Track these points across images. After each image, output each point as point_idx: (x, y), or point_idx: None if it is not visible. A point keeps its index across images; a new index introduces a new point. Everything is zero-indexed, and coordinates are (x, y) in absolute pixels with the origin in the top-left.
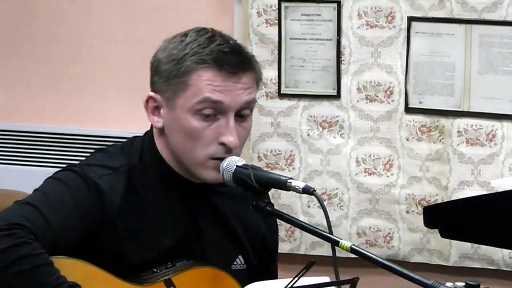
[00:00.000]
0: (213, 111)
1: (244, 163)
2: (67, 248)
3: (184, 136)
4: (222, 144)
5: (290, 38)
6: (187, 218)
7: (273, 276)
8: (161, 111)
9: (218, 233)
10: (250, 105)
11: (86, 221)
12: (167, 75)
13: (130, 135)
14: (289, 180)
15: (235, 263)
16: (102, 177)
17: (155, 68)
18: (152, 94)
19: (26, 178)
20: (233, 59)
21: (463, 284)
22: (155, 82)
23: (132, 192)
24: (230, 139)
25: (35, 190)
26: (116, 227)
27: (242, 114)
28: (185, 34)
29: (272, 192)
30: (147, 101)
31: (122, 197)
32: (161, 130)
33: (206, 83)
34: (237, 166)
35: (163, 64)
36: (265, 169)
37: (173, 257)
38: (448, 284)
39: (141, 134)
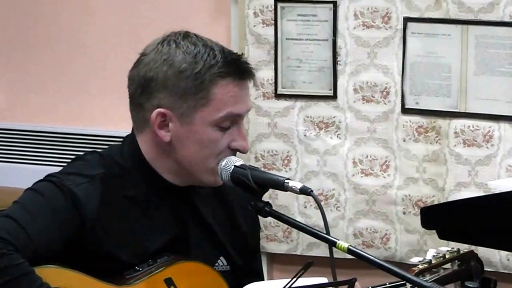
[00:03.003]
0: (230, 123)
1: (242, 163)
2: (49, 257)
3: (201, 148)
4: (234, 149)
5: (287, 39)
6: (171, 221)
7: (257, 274)
8: (170, 125)
9: (200, 235)
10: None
11: (65, 229)
12: (182, 91)
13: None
14: (286, 181)
15: (217, 264)
16: (78, 185)
17: (160, 84)
18: (162, 110)
19: (27, 176)
20: (243, 65)
21: (448, 249)
22: (160, 98)
23: (111, 199)
24: (244, 144)
25: (14, 202)
26: (95, 234)
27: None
28: (175, 44)
29: (269, 193)
30: (155, 117)
31: (99, 204)
32: (159, 143)
33: (229, 95)
34: (235, 166)
35: (172, 79)
36: (262, 169)
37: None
38: (431, 250)
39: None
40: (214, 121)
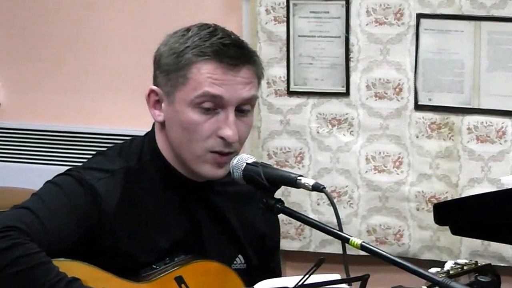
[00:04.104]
0: (212, 104)
1: (254, 160)
2: (64, 251)
3: (183, 130)
4: (221, 138)
5: (299, 36)
6: (187, 218)
7: (275, 273)
8: (162, 105)
9: (218, 232)
10: (250, 101)
11: (83, 224)
12: (168, 68)
13: (136, 133)
14: (299, 178)
15: (235, 262)
16: (99, 180)
17: (157, 62)
18: (153, 87)
19: (34, 176)
20: (233, 51)
21: (466, 261)
22: (157, 76)
23: (129, 195)
24: (228, 133)
25: (33, 195)
26: (113, 230)
27: (243, 109)
28: (188, 29)
29: (281, 190)
30: (148, 94)
31: (119, 200)
32: (162, 125)
33: (206, 76)
34: (247, 163)
35: (164, 57)
36: (275, 167)
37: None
38: (449, 262)
39: (142, 134)
40: (191, 101)
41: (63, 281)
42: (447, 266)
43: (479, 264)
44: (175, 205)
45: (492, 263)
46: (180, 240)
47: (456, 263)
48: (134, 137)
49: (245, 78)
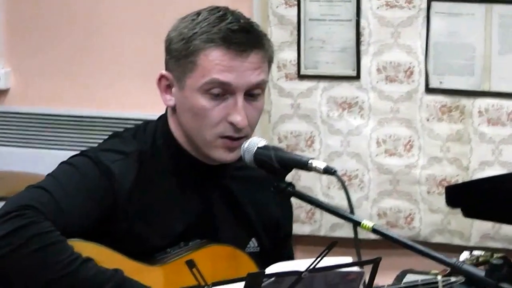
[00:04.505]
0: (221, 90)
1: (266, 144)
2: (78, 231)
3: (193, 116)
4: (231, 123)
5: (309, 19)
6: (201, 202)
7: (288, 259)
8: (173, 89)
9: (231, 216)
10: (260, 86)
11: (97, 205)
12: (177, 54)
13: (147, 118)
14: (310, 161)
15: (248, 246)
16: (114, 162)
17: (168, 47)
18: (164, 72)
19: (45, 161)
20: (241, 37)
21: (481, 252)
22: (167, 61)
23: (144, 177)
24: (238, 118)
25: (48, 175)
26: (127, 212)
27: (253, 94)
28: (198, 13)
29: (291, 174)
30: (159, 79)
31: (134, 182)
32: (174, 109)
33: (214, 63)
34: (258, 147)
35: (173, 43)
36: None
37: (186, 240)
38: (465, 253)
39: (155, 118)
40: (200, 87)
41: (78, 261)
42: (462, 257)
43: (495, 256)
44: (189, 188)
45: (503, 247)
46: (193, 224)
47: (471, 254)
48: (148, 121)
49: (254, 63)
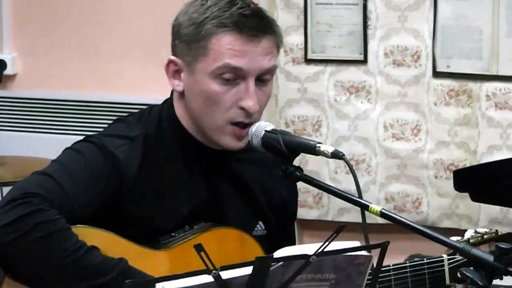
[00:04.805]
0: (233, 75)
1: (273, 128)
2: (84, 217)
3: (204, 101)
4: (242, 108)
5: (316, 3)
6: (207, 185)
7: (291, 240)
8: (182, 75)
9: (238, 199)
10: (271, 71)
11: (103, 190)
12: (188, 39)
13: (153, 102)
14: (318, 145)
15: (256, 229)
16: (119, 147)
17: (176, 31)
18: (172, 58)
19: (51, 146)
20: (253, 22)
21: (486, 230)
22: (175, 45)
23: (149, 161)
24: (250, 103)
25: (53, 161)
26: (132, 197)
27: (263, 79)
28: None
29: (299, 158)
30: (167, 65)
31: (139, 167)
32: (181, 95)
33: (227, 48)
34: (265, 131)
35: (183, 27)
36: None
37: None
38: (470, 230)
39: (160, 102)
40: (212, 72)
41: (82, 249)
42: (467, 235)
43: (500, 233)
44: (194, 172)
45: (511, 230)
46: (199, 207)
47: (476, 232)
48: (153, 105)
49: (266, 48)
